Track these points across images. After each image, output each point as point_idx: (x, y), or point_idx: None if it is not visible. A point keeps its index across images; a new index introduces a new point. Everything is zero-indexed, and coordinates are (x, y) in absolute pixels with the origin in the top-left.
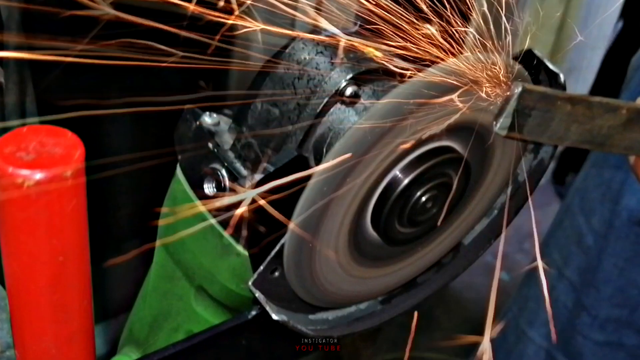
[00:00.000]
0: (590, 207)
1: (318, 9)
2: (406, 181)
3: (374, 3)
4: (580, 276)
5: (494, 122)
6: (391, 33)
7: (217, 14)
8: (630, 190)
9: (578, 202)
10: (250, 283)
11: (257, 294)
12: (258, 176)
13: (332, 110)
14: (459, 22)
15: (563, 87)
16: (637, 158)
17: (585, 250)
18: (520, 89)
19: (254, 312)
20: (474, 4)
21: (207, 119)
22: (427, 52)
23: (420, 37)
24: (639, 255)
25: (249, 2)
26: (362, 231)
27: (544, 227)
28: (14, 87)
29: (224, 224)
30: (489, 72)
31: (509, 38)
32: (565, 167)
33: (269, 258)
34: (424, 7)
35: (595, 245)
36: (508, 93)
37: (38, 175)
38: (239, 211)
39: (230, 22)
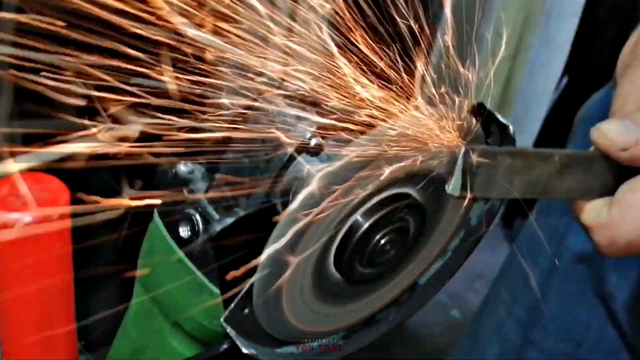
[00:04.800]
0: (537, 250)
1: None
2: (366, 225)
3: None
4: (527, 314)
5: (446, 185)
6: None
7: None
8: (573, 233)
9: (526, 245)
10: (222, 319)
11: (229, 330)
12: (229, 220)
13: (298, 159)
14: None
15: (512, 138)
16: (575, 201)
17: (532, 289)
18: (463, 149)
19: (225, 346)
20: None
21: (182, 168)
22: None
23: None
24: (582, 293)
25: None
26: (326, 271)
27: (493, 268)
28: (4, 137)
29: (198, 264)
30: (443, 125)
31: (462, 92)
32: (514, 212)
33: (239, 296)
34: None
35: (542, 284)
36: (453, 156)
37: (27, 218)
38: None
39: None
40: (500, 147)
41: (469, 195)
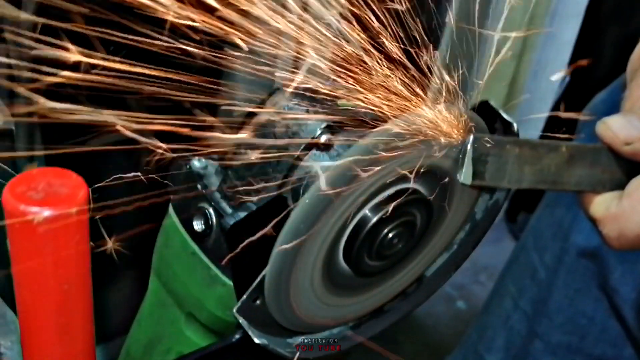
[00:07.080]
0: (542, 245)
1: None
2: (375, 219)
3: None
4: (533, 307)
5: (458, 175)
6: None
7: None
8: (578, 229)
9: (532, 240)
10: (234, 310)
11: (241, 320)
12: (242, 214)
13: (308, 155)
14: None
15: (516, 135)
16: (584, 195)
17: (538, 283)
18: (471, 138)
19: (237, 336)
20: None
21: (196, 163)
22: (392, 104)
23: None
24: (587, 287)
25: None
26: (335, 264)
27: (497, 260)
28: (24, 134)
29: (212, 257)
30: (449, 122)
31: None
32: (517, 207)
33: (251, 288)
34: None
35: (547, 278)
36: (462, 146)
37: (46, 213)
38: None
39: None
40: (508, 136)
41: (480, 184)
